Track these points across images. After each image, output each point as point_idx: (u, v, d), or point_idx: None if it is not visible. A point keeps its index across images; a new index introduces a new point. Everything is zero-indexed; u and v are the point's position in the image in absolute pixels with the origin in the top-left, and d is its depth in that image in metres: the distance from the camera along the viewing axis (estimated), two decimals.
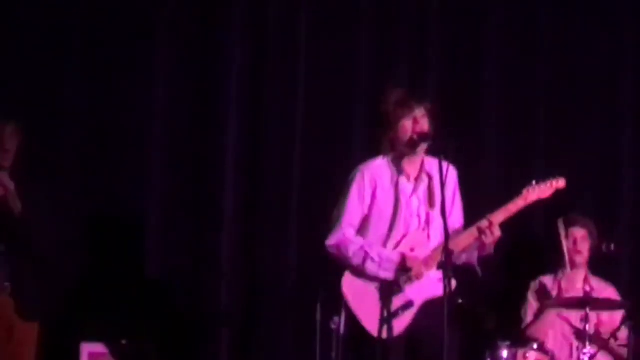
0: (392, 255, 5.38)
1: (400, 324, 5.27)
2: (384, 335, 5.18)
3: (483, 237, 5.31)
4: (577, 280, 6.60)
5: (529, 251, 7.07)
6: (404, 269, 5.38)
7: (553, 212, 6.53)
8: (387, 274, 5.31)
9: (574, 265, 6.64)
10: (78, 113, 6.73)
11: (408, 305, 5.34)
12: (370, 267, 5.34)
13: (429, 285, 5.28)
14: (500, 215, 5.35)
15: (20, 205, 5.63)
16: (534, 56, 7.27)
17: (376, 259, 5.36)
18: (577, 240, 6.62)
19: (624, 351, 6.26)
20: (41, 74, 6.62)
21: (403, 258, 5.35)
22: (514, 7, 7.24)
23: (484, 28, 7.24)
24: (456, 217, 5.47)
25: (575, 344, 6.30)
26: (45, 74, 6.65)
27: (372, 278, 5.34)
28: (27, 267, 5.76)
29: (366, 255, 5.36)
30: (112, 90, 6.77)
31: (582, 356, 6.04)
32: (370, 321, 5.25)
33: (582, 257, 6.64)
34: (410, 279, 5.36)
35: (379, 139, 5.51)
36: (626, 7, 7.24)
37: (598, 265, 6.69)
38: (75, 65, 6.71)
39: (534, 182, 5.52)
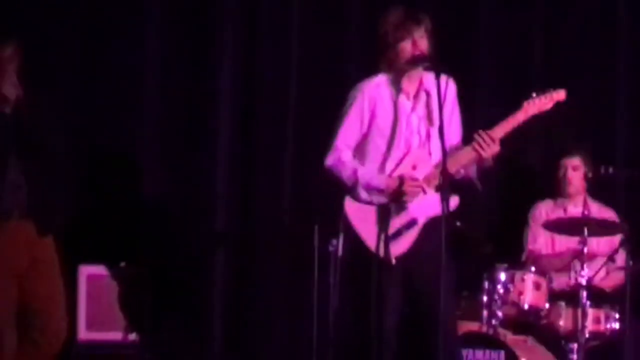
0: (381, 183, 5.40)
1: (403, 243, 5.31)
2: (387, 254, 5.22)
3: (482, 151, 5.29)
4: (576, 205, 6.66)
5: (525, 177, 7.17)
6: (399, 194, 5.36)
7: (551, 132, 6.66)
8: (380, 199, 5.35)
9: (568, 193, 6.76)
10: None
11: (411, 223, 5.36)
12: (361, 194, 5.40)
13: (432, 204, 5.27)
14: (500, 130, 5.33)
15: (29, 111, 5.60)
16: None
17: (364, 185, 5.40)
18: (568, 170, 6.72)
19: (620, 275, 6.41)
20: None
21: (401, 180, 5.34)
22: None
23: None
24: (455, 131, 5.46)
25: (573, 265, 6.35)
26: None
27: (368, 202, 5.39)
28: (41, 177, 5.61)
29: (356, 181, 5.43)
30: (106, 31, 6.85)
31: (579, 278, 6.13)
32: (373, 240, 5.30)
33: (575, 187, 6.76)
34: (403, 205, 5.36)
35: (377, 59, 5.46)
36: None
37: (598, 189, 6.78)
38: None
39: (533, 94, 5.43)
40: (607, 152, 7.04)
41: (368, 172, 5.39)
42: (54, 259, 5.71)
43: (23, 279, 5.58)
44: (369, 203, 5.39)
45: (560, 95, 5.43)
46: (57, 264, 5.72)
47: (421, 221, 5.30)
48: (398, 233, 5.31)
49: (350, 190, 5.38)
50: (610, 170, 6.42)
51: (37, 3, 6.76)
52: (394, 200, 5.33)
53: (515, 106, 5.41)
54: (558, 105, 5.44)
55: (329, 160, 5.43)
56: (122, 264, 6.46)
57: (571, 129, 6.81)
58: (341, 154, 5.42)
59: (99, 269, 6.40)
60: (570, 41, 7.29)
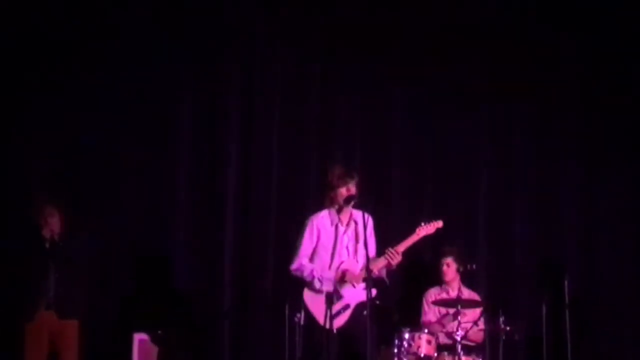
0: (330, 275, 6.49)
1: (342, 319, 6.61)
2: (331, 326, 6.43)
3: (390, 260, 6.63)
4: (454, 290, 8.04)
5: (421, 272, 8.38)
6: (343, 280, 6.59)
7: (435, 244, 7.89)
8: (327, 288, 6.53)
9: (446, 282, 8.03)
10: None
11: (346, 307, 6.65)
12: (316, 284, 6.59)
13: (359, 293, 6.56)
14: (401, 246, 6.66)
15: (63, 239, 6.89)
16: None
17: (318, 279, 6.56)
18: (443, 266, 7.97)
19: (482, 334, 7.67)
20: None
21: (343, 273, 6.58)
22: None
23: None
24: (372, 248, 6.69)
25: (452, 329, 7.55)
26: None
27: (319, 291, 6.55)
28: (68, 281, 6.89)
29: (313, 277, 6.58)
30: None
31: (456, 336, 7.38)
32: (321, 317, 6.51)
33: (450, 277, 7.98)
34: (340, 295, 6.54)
35: (324, 196, 6.84)
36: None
37: (467, 279, 8.15)
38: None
39: (422, 223, 6.82)
40: (473, 254, 8.40)
41: (321, 269, 6.62)
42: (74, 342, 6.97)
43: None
44: (320, 291, 6.47)
45: (439, 224, 6.87)
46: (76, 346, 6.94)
47: (352, 305, 6.61)
48: (338, 313, 6.55)
49: (309, 283, 6.56)
50: (474, 266, 7.91)
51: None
52: (339, 284, 6.47)
53: (411, 230, 6.83)
54: (438, 230, 6.86)
55: (294, 265, 6.68)
56: (160, 331, 7.39)
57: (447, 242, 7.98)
58: (302, 260, 6.65)
59: (145, 335, 7.36)
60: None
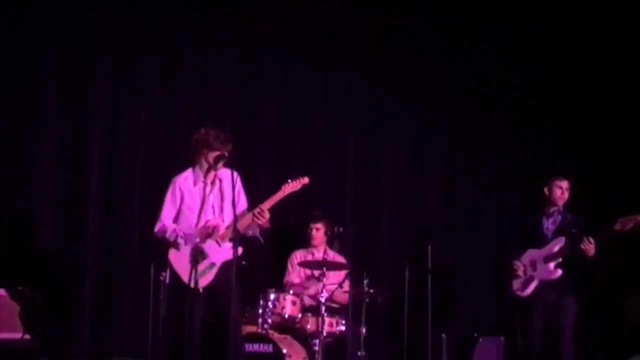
0: (194, 231, 6.30)
1: (207, 278, 6.40)
2: (196, 285, 6.26)
3: (256, 219, 6.41)
4: (319, 252, 8.01)
5: (288, 234, 8.38)
6: (209, 235, 6.38)
7: (302, 207, 7.95)
8: (192, 243, 6.35)
9: (313, 245, 8.07)
10: None
11: (211, 265, 6.41)
12: (180, 242, 6.38)
13: (225, 252, 6.35)
14: (267, 204, 6.43)
15: None
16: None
17: (181, 237, 6.36)
18: (312, 230, 7.99)
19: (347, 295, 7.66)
20: None
21: (212, 228, 6.36)
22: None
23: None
24: (243, 204, 6.54)
25: (315, 291, 7.64)
26: None
27: (184, 250, 6.36)
28: None
29: (176, 235, 6.39)
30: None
31: (320, 297, 7.40)
32: (186, 276, 6.33)
33: (318, 241, 7.98)
34: (205, 255, 6.31)
35: (194, 155, 6.53)
36: None
37: (334, 241, 8.13)
38: None
39: (289, 180, 6.58)
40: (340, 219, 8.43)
41: (184, 228, 6.44)
42: None
43: None
44: (185, 250, 6.29)
45: (305, 180, 6.60)
46: None
47: (218, 264, 6.42)
48: (203, 273, 6.36)
49: (172, 243, 6.44)
50: (341, 229, 7.93)
51: None
52: (205, 238, 6.30)
53: (277, 187, 6.58)
54: (304, 186, 6.60)
55: (157, 227, 6.50)
56: (20, 287, 7.10)
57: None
58: (165, 222, 6.50)
59: (3, 291, 7.07)
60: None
